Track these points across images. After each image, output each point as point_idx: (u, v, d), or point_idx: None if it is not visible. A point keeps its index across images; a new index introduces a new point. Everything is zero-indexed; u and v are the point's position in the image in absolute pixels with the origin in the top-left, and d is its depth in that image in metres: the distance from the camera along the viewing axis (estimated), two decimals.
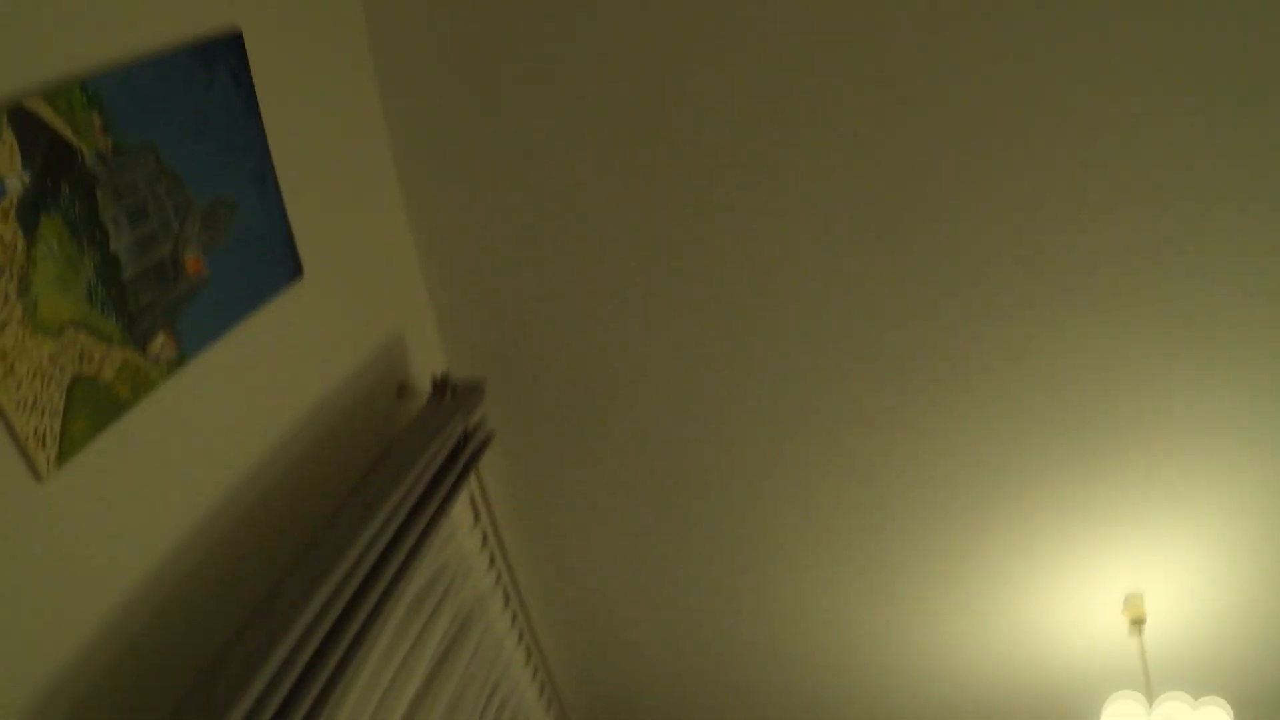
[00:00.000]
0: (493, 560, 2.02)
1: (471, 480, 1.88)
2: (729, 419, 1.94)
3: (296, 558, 1.19)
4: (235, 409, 1.21)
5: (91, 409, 0.94)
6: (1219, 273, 1.54)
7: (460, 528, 1.82)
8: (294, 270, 1.34)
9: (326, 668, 1.15)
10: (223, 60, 1.14)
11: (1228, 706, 1.90)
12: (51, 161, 0.88)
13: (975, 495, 1.95)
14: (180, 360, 1.09)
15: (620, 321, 1.83)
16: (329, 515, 1.29)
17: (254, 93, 1.20)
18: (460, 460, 1.60)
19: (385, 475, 1.36)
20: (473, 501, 1.92)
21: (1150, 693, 2.10)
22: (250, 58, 1.19)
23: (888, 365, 1.78)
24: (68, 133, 0.90)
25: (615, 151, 1.61)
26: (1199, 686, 2.22)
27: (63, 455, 0.90)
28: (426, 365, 1.84)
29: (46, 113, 0.87)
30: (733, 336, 1.81)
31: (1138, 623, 2.05)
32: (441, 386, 1.60)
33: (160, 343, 1.05)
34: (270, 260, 1.28)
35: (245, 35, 1.17)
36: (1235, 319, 1.59)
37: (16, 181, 0.84)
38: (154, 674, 1.03)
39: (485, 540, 1.99)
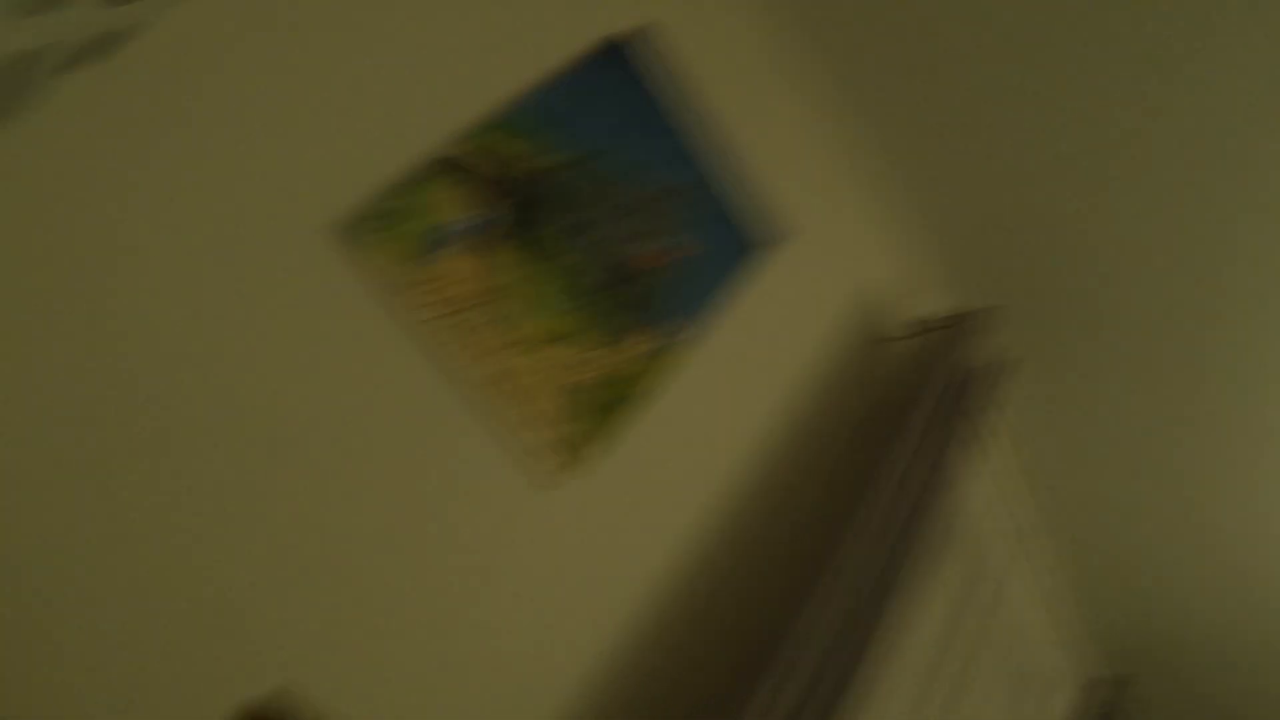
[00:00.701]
0: (1018, 499, 1.74)
1: (991, 414, 1.63)
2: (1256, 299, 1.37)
3: (820, 523, 1.12)
4: (731, 384, 1.20)
5: (589, 412, 1.00)
6: None
7: (985, 465, 1.59)
8: (764, 237, 1.29)
9: (874, 632, 1.05)
10: (618, 63, 1.15)
11: None
12: (495, 196, 0.97)
13: None
14: (663, 350, 1.11)
15: (1117, 214, 1.42)
16: (849, 471, 1.21)
17: (661, 82, 1.19)
18: (971, 391, 1.38)
19: (893, 421, 1.23)
20: (994, 435, 1.66)
21: None
22: (646, 52, 1.18)
23: None
24: (502, 166, 0.98)
25: (1093, 44, 1.25)
26: None
27: (572, 461, 0.97)
28: (927, 304, 1.65)
29: (475, 154, 0.96)
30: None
31: None
32: (937, 323, 1.41)
33: (639, 338, 1.09)
34: (735, 233, 1.25)
35: (634, 34, 1.17)
36: None
37: (468, 223, 0.93)
38: (690, 650, 1.06)
39: (1008, 478, 1.72)
